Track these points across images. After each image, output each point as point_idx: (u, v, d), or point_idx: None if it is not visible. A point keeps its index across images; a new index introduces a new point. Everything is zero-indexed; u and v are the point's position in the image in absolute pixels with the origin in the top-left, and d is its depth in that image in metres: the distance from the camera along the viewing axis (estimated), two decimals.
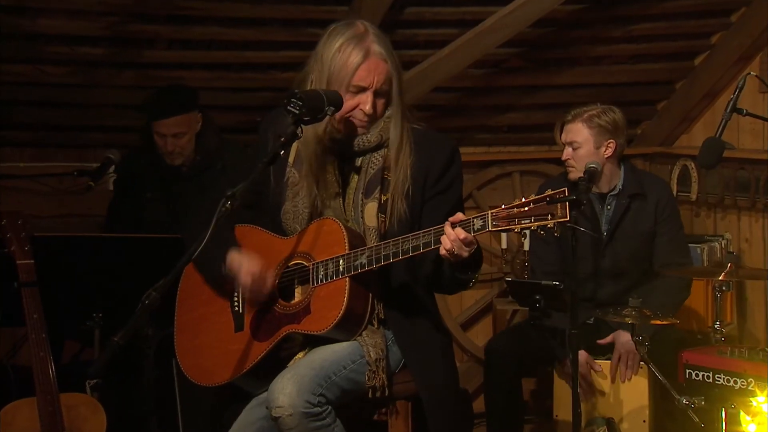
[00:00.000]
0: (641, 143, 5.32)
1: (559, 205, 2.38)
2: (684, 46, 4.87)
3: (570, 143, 3.83)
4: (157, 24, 4.21)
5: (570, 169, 3.85)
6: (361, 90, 2.65)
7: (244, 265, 2.66)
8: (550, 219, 2.38)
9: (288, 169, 2.77)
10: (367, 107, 2.66)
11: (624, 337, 3.70)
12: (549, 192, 2.40)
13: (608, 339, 3.79)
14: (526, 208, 2.42)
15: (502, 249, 5.04)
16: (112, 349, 2.25)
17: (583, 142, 3.80)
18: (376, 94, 2.67)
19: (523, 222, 2.42)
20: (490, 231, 2.46)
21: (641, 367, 3.69)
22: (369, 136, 2.71)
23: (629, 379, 3.70)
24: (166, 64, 4.43)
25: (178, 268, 2.36)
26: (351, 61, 2.63)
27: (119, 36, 4.21)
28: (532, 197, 2.43)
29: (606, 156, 3.81)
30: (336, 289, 2.62)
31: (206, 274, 2.82)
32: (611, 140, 3.82)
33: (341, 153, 2.74)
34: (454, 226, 2.47)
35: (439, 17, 4.43)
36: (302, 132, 2.58)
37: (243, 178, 2.47)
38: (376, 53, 2.65)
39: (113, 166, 4.16)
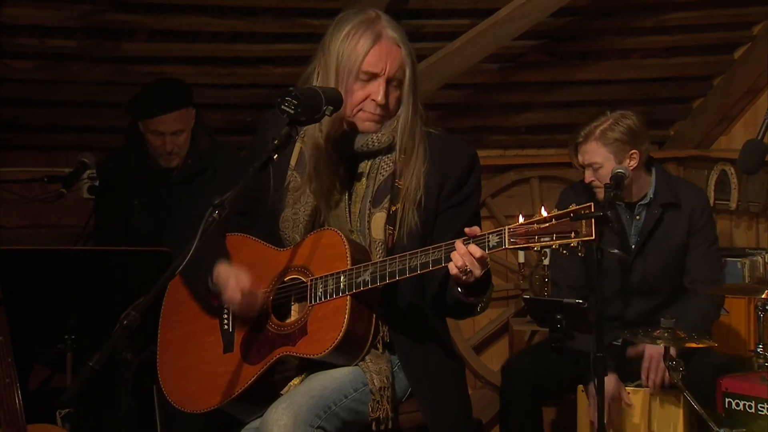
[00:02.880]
0: (674, 146, 5.33)
1: (584, 221, 2.38)
2: (722, 37, 4.89)
3: (589, 165, 3.85)
4: (137, 13, 4.23)
5: (597, 190, 3.86)
6: (372, 77, 2.66)
7: (232, 279, 2.67)
8: (574, 237, 2.39)
9: (289, 173, 2.78)
10: (380, 96, 2.65)
11: (655, 348, 3.69)
12: (573, 207, 2.41)
13: (638, 349, 3.78)
14: (547, 224, 2.42)
15: (519, 263, 5.05)
16: (86, 375, 2.26)
17: (603, 162, 3.82)
18: (389, 83, 2.67)
19: (543, 239, 2.42)
20: (507, 248, 2.47)
21: (674, 394, 3.69)
22: (380, 134, 2.71)
23: (656, 392, 3.70)
24: (146, 57, 4.45)
25: (160, 285, 2.37)
26: (361, 46, 2.63)
27: (94, 26, 4.23)
28: (555, 212, 2.43)
29: (632, 168, 3.83)
30: (336, 309, 2.62)
31: (193, 288, 2.83)
32: (633, 150, 3.83)
33: (348, 155, 2.75)
34: (467, 242, 2.48)
35: (450, 6, 4.45)
36: (298, 134, 2.60)
37: (234, 183, 2.48)
38: (389, 37, 2.65)
39: (88, 171, 4.18)
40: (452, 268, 2.49)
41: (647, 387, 3.75)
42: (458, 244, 2.48)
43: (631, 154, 3.83)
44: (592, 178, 3.85)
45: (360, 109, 2.69)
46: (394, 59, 2.65)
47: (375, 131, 2.71)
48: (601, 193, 3.81)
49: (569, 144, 3.94)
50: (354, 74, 2.64)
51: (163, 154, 4.07)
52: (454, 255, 2.48)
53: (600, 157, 3.82)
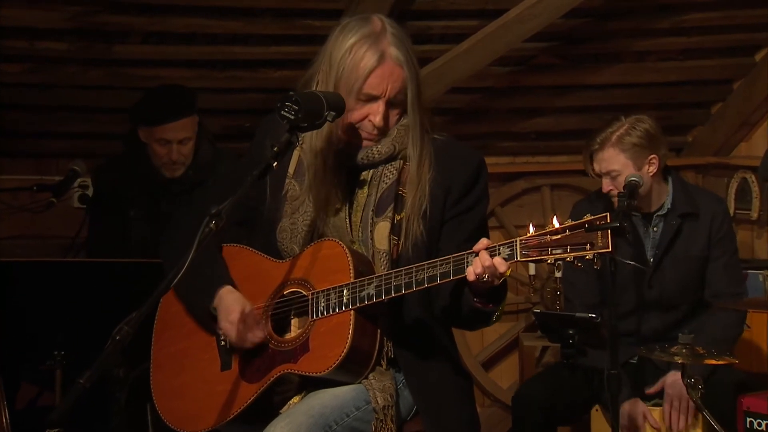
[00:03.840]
0: (693, 152, 5.33)
1: (599, 233, 2.38)
2: (743, 38, 4.89)
3: (607, 173, 3.83)
4: (130, 14, 4.24)
5: (615, 199, 3.84)
6: (372, 99, 2.68)
7: (227, 311, 2.67)
8: (589, 249, 2.38)
9: (287, 181, 2.78)
10: (377, 119, 2.67)
11: (673, 378, 3.69)
12: (588, 218, 2.40)
13: (657, 387, 3.79)
14: (561, 236, 2.42)
15: (529, 276, 5.05)
16: (76, 393, 2.25)
17: (621, 169, 3.80)
18: (389, 104, 2.69)
19: (557, 252, 2.42)
20: (519, 261, 2.47)
21: (696, 419, 3.68)
22: (380, 146, 2.72)
23: (683, 429, 3.69)
24: (140, 60, 4.47)
25: (153, 298, 2.36)
26: (363, 66, 2.64)
27: (86, 28, 4.24)
28: (569, 223, 2.43)
29: (651, 174, 3.82)
30: (339, 324, 2.62)
31: (188, 303, 2.83)
32: (652, 155, 3.82)
33: (348, 164, 2.76)
34: (493, 253, 2.48)
35: (456, 6, 4.46)
36: (298, 140, 2.60)
37: (231, 191, 2.48)
38: (392, 57, 2.66)
39: (79, 179, 4.18)
40: (470, 275, 2.49)
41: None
42: (482, 255, 2.47)
43: (650, 159, 3.82)
44: (611, 187, 3.82)
45: (358, 127, 2.70)
46: (395, 81, 2.66)
47: (372, 145, 2.72)
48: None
49: (584, 152, 3.93)
50: (354, 94, 2.65)
51: (167, 164, 4.05)
52: (475, 262, 2.48)
53: (618, 164, 3.80)
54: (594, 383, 3.70)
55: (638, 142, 3.79)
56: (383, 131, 2.71)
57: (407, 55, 2.68)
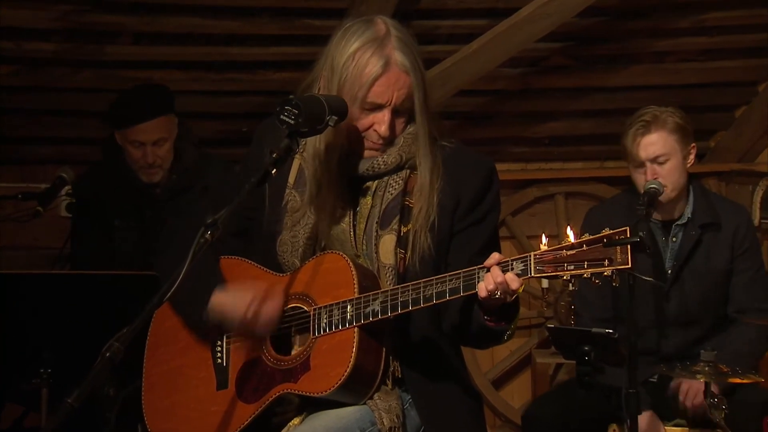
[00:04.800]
0: (715, 159, 5.33)
1: (618, 248, 2.37)
2: (767, 38, 4.88)
3: (654, 159, 3.80)
4: (121, 14, 4.25)
5: (661, 188, 3.79)
6: (377, 107, 2.68)
7: (236, 302, 2.66)
8: (608, 265, 2.38)
9: (287, 191, 2.78)
10: (383, 128, 2.67)
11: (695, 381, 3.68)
12: (606, 231, 2.40)
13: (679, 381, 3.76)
14: (577, 250, 2.41)
15: (542, 289, 5.05)
16: (63, 414, 2.25)
17: (670, 153, 3.78)
18: (395, 112, 2.69)
19: (573, 268, 2.42)
20: (533, 277, 2.47)
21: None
22: (386, 156, 2.72)
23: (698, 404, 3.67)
24: (131, 62, 4.48)
25: (146, 313, 2.36)
26: (367, 73, 2.63)
27: (75, 28, 4.26)
28: (586, 237, 2.42)
29: (690, 164, 3.82)
30: (342, 342, 2.61)
31: (185, 316, 2.82)
32: (693, 144, 3.83)
33: (352, 173, 2.76)
34: (505, 268, 2.47)
35: (465, 5, 4.47)
36: (299, 146, 2.59)
37: (228, 200, 2.48)
38: (398, 64, 2.65)
39: (66, 187, 4.18)
40: (481, 292, 2.48)
41: (685, 425, 3.72)
42: (494, 270, 2.47)
43: (691, 148, 3.82)
44: (656, 176, 3.79)
45: (363, 137, 2.70)
46: (401, 88, 2.65)
47: (377, 156, 2.72)
48: (665, 193, 3.75)
49: (622, 138, 3.83)
50: (358, 103, 2.65)
51: (143, 168, 4.06)
52: (486, 278, 2.47)
53: (668, 147, 3.77)
54: (611, 402, 3.69)
55: (683, 123, 3.79)
56: (389, 141, 2.71)
57: (413, 60, 2.67)
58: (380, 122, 2.66)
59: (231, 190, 2.69)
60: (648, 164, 3.78)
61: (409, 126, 2.72)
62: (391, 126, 2.68)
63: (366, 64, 2.63)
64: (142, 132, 4.02)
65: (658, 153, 3.77)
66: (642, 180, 3.79)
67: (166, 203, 4.10)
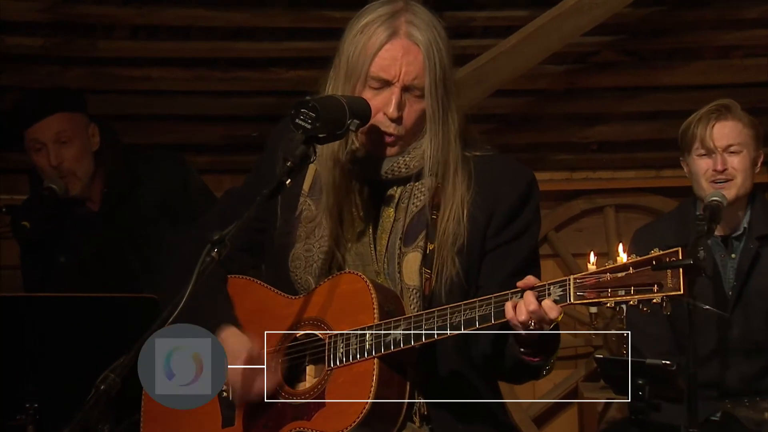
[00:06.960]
0: None
1: (669, 272, 2.37)
2: None
3: (726, 148, 3.80)
4: (115, 5, 4.28)
5: (727, 184, 3.80)
6: (385, 84, 2.64)
7: (231, 357, 2.66)
8: (657, 291, 2.37)
9: (302, 200, 2.77)
10: (391, 108, 2.62)
11: None
12: (656, 252, 2.40)
13: None
14: (623, 273, 2.42)
15: (590, 314, 5.04)
16: None
17: (743, 145, 3.79)
18: (407, 93, 2.64)
19: (618, 293, 2.41)
20: (572, 304, 2.46)
21: None
22: (408, 158, 2.70)
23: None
24: (126, 59, 4.50)
25: (144, 340, 2.38)
26: (371, 44, 2.61)
27: (64, 21, 4.29)
28: (633, 259, 2.42)
29: (756, 171, 3.83)
30: (361, 374, 2.62)
31: None
32: (761, 150, 3.84)
33: (372, 177, 2.76)
34: (541, 296, 2.45)
35: None
36: (315, 154, 2.59)
37: (236, 213, 2.49)
38: (407, 34, 2.63)
39: (55, 201, 4.20)
40: (513, 321, 2.47)
41: None
42: (527, 295, 2.46)
43: (760, 153, 3.84)
44: (725, 167, 3.79)
45: (373, 124, 2.65)
46: (410, 63, 2.62)
47: (397, 153, 2.71)
48: (732, 190, 3.76)
49: (688, 127, 3.84)
50: (362, 79, 2.63)
51: (53, 177, 4.01)
52: (519, 306, 2.46)
53: (742, 137, 3.79)
54: None
55: (757, 124, 3.82)
56: (404, 127, 2.67)
57: (430, 35, 2.63)
58: (387, 102, 2.62)
59: (240, 201, 2.70)
60: (719, 153, 3.79)
61: (426, 124, 2.67)
62: (400, 105, 2.63)
63: (371, 36, 2.61)
64: (39, 130, 4.01)
65: (733, 141, 3.79)
66: (705, 166, 3.79)
67: (104, 223, 4.08)
